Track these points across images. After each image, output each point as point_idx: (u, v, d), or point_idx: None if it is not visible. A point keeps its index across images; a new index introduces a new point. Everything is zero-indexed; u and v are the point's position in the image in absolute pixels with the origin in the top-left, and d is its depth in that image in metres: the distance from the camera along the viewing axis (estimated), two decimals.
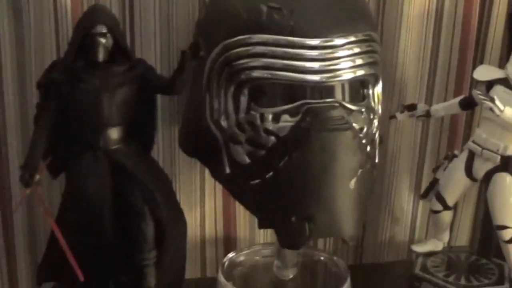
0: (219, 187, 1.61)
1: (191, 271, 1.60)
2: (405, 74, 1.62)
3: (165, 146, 1.55)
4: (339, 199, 1.21)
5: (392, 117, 1.58)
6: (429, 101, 1.64)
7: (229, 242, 1.66)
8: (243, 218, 1.66)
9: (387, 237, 1.75)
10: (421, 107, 1.55)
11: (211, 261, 1.66)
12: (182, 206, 1.48)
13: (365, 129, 1.26)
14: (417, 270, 1.54)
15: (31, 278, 1.56)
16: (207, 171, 1.57)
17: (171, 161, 1.56)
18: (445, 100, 1.63)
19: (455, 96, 1.60)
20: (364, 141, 1.26)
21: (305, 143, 1.19)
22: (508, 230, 1.45)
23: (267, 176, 1.22)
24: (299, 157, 1.19)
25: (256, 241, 1.68)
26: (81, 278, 1.25)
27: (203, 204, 1.63)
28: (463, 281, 1.50)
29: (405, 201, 1.73)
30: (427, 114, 1.54)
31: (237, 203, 1.61)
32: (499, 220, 1.46)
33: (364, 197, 1.27)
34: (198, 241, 1.64)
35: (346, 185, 1.22)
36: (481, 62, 1.62)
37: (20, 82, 1.46)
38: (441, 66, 1.64)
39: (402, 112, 1.56)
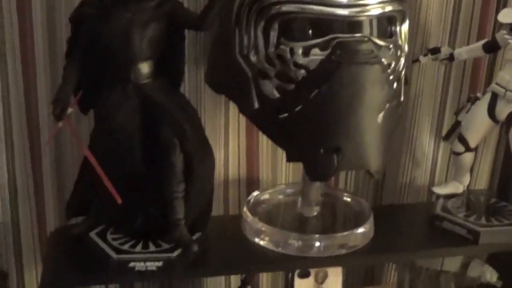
0: (242, 128, 1.64)
1: (214, 209, 1.61)
2: (429, 18, 1.63)
3: (191, 87, 1.57)
4: (367, 132, 1.24)
5: (415, 60, 1.59)
6: (452, 44, 1.65)
7: (251, 183, 1.69)
8: (266, 159, 1.68)
9: (407, 180, 1.78)
10: (445, 50, 1.56)
11: (233, 200, 1.69)
12: None
13: (392, 65, 1.28)
14: (438, 210, 1.57)
15: (59, 214, 1.59)
16: (231, 113, 1.61)
17: (196, 102, 1.57)
18: (468, 44, 1.64)
19: (478, 40, 1.61)
20: (391, 77, 1.28)
21: (335, 76, 1.21)
22: None
23: (296, 110, 1.24)
24: (329, 89, 1.21)
25: (278, 182, 1.70)
26: (119, 200, 1.28)
27: (227, 145, 1.65)
28: (483, 221, 1.52)
29: (426, 144, 1.76)
30: (450, 58, 1.56)
31: (260, 145, 1.66)
32: None
33: (390, 132, 1.30)
34: (221, 181, 1.67)
35: (374, 119, 1.25)
36: (505, 6, 1.63)
37: (48, 18, 1.47)
38: (464, 9, 1.65)
39: (425, 55, 1.58)
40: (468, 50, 1.56)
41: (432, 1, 1.62)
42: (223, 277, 1.74)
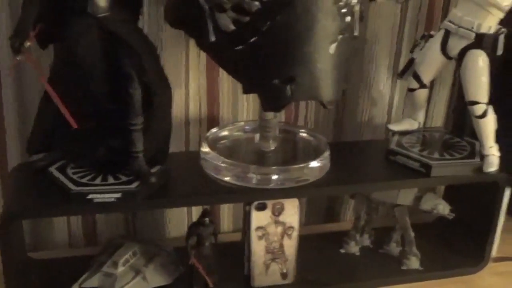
0: (203, 67, 1.66)
1: (176, 146, 1.66)
2: None
3: (151, 25, 1.58)
4: (319, 62, 1.27)
5: None
6: None
7: (212, 121, 1.72)
8: (227, 98, 1.71)
9: (365, 118, 1.82)
10: None
11: (194, 137, 1.72)
12: None
13: None
14: (393, 146, 1.61)
15: (20, 152, 1.61)
16: (191, 52, 1.63)
17: (157, 41, 1.59)
18: None
19: None
20: (344, 10, 1.30)
21: (288, 6, 1.23)
22: (480, 105, 1.51)
23: (251, 41, 1.26)
24: (282, 20, 1.23)
25: (238, 121, 1.74)
26: (74, 125, 1.30)
27: (188, 84, 1.67)
28: (436, 155, 1.57)
29: (383, 83, 1.80)
30: None
31: (221, 84, 1.68)
32: (471, 96, 1.51)
33: (343, 65, 1.33)
34: (182, 119, 1.70)
35: (326, 49, 1.27)
36: None
37: None
38: None
39: None
40: None
41: None
42: (185, 210, 1.78)
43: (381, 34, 1.74)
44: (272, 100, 1.29)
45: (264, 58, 1.27)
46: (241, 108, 1.73)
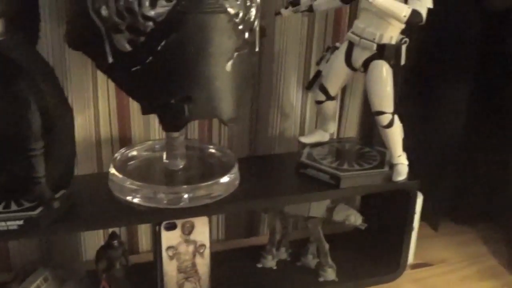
0: (112, 87, 1.64)
1: (88, 168, 1.65)
2: None
3: (55, 48, 1.56)
4: (216, 80, 1.27)
5: (277, 13, 1.62)
6: None
7: (124, 141, 1.70)
8: (138, 118, 1.69)
9: (277, 132, 1.83)
10: (304, 2, 1.59)
11: (106, 158, 1.69)
12: (75, 106, 1.52)
13: (241, 15, 1.30)
14: (303, 158, 1.62)
15: None
16: (99, 72, 1.61)
17: (61, 63, 1.57)
18: None
19: None
20: (240, 26, 1.31)
21: (181, 26, 1.23)
22: (386, 115, 1.52)
23: (147, 61, 1.26)
24: (176, 40, 1.23)
25: (151, 139, 1.72)
26: None
27: (97, 105, 1.65)
28: (345, 167, 1.58)
29: (293, 96, 1.80)
30: (310, 9, 1.59)
31: (131, 104, 1.67)
32: (377, 106, 1.53)
33: (241, 81, 1.33)
34: (93, 140, 1.67)
35: (222, 67, 1.28)
36: None
37: None
38: None
39: (286, 7, 1.61)
40: (327, 1, 1.59)
41: None
42: (101, 232, 1.75)
43: (290, 47, 1.74)
44: (170, 120, 1.29)
45: (160, 78, 1.26)
46: (153, 126, 1.71)
